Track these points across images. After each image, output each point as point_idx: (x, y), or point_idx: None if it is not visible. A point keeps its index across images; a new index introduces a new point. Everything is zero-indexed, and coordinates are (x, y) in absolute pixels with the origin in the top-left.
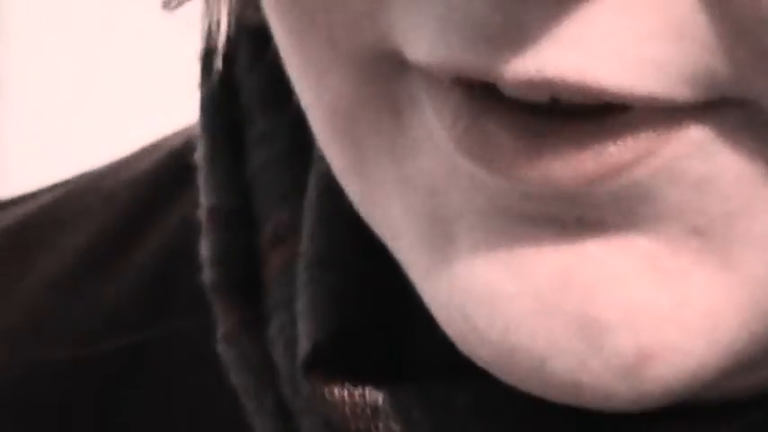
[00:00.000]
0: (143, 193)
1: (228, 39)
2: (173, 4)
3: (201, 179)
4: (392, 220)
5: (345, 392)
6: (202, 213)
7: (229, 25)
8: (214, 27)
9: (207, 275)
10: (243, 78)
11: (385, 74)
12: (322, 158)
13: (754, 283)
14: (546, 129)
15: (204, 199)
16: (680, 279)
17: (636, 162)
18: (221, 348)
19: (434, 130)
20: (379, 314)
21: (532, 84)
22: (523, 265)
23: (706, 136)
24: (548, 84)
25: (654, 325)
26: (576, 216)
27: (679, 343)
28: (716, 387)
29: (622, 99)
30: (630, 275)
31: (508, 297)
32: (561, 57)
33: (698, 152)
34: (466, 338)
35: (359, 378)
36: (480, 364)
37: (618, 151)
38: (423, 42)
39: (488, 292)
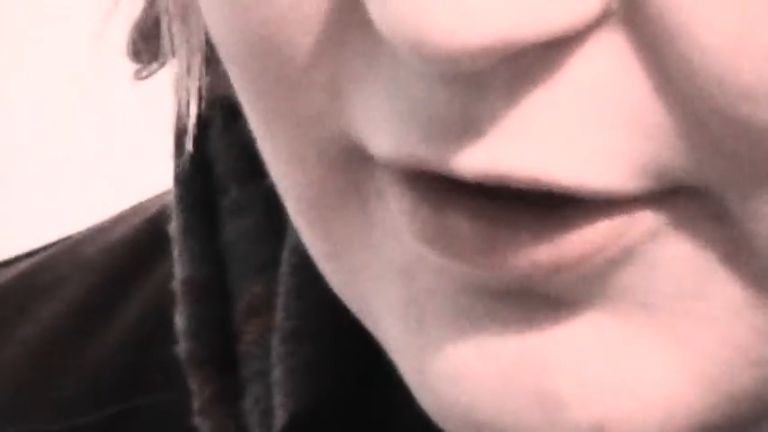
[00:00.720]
0: (120, 260)
1: (200, 112)
2: (144, 74)
3: (176, 251)
4: (367, 302)
5: None
6: (177, 285)
7: (200, 100)
8: (184, 101)
9: (182, 348)
10: (217, 149)
11: (350, 166)
12: (296, 231)
13: (707, 360)
14: (504, 217)
15: (179, 271)
16: (631, 352)
17: (592, 255)
18: (197, 421)
19: (398, 221)
20: (355, 385)
21: (486, 177)
22: (486, 343)
23: (662, 224)
24: (498, 178)
25: (608, 397)
26: (536, 293)
27: (634, 413)
28: None
29: (574, 192)
30: (584, 350)
31: (473, 375)
32: (513, 150)
33: (653, 239)
34: (437, 414)
35: None
36: None
37: (575, 243)
38: (384, 137)
39: (455, 371)
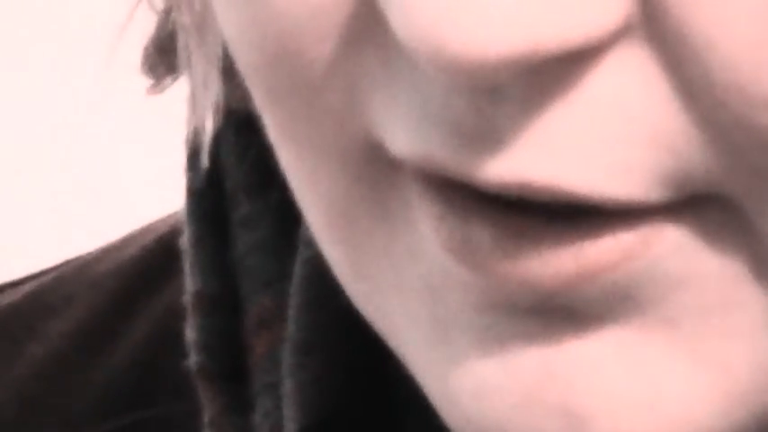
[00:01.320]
0: (130, 280)
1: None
2: (156, 89)
3: (187, 264)
4: (390, 318)
5: None
6: (188, 298)
7: (216, 114)
8: (199, 115)
9: (192, 361)
10: (228, 163)
11: (374, 175)
12: (306, 244)
13: (731, 376)
14: (526, 229)
15: (189, 284)
16: (654, 368)
17: (615, 265)
18: None
19: (425, 233)
20: (366, 399)
21: (504, 186)
22: (511, 359)
23: (686, 237)
24: (518, 187)
25: (631, 412)
26: (559, 308)
27: (658, 429)
28: None
29: (593, 202)
30: (606, 365)
31: (498, 392)
32: (532, 160)
33: (677, 253)
34: (462, 429)
35: None
36: None
37: (597, 253)
38: (402, 135)
39: (480, 386)
